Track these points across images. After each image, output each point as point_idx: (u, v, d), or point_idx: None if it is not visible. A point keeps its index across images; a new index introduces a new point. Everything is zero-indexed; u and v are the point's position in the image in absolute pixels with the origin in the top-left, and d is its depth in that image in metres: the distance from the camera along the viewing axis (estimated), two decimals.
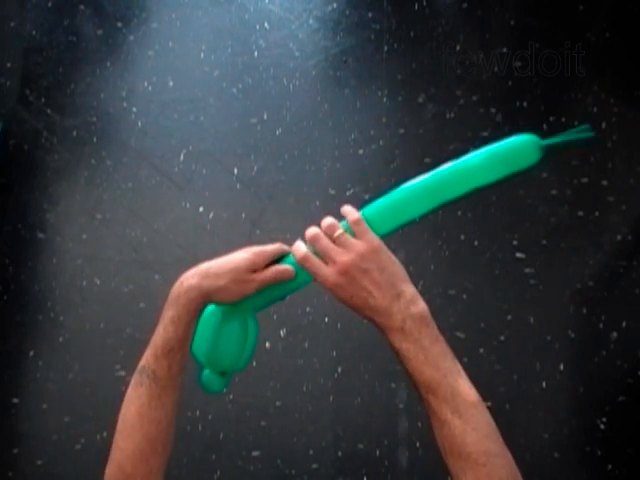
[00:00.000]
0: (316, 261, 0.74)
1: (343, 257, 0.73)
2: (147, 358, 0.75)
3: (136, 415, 0.74)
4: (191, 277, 0.76)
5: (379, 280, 0.72)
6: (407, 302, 0.71)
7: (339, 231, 0.75)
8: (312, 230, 0.75)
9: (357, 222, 0.76)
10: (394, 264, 0.75)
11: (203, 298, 0.75)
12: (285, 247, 0.81)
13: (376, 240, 0.75)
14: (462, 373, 0.70)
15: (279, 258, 0.80)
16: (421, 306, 0.72)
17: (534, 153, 0.77)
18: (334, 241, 0.74)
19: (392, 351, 0.72)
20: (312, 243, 0.75)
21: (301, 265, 0.76)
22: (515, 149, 0.78)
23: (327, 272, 0.73)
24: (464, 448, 0.66)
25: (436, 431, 0.69)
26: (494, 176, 0.77)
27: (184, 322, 0.75)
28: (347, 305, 0.73)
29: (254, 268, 0.77)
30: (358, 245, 0.73)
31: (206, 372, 0.80)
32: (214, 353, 0.79)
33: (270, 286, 0.78)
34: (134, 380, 0.76)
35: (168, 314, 0.75)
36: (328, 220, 0.76)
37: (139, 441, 0.73)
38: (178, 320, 0.75)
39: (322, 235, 0.75)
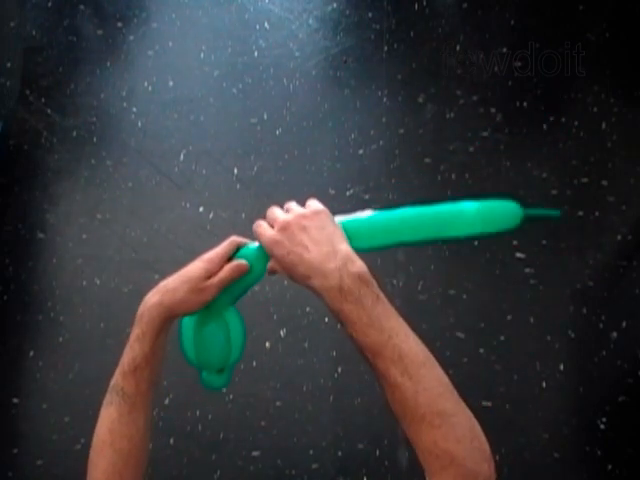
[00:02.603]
0: (263, 225, 0.76)
1: (285, 216, 0.75)
2: (116, 376, 0.77)
3: (107, 432, 0.76)
4: (152, 295, 0.78)
5: (317, 237, 0.72)
6: (344, 259, 0.69)
7: (291, 203, 0.78)
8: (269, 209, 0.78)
9: (310, 200, 0.78)
10: (335, 227, 0.74)
11: (166, 314, 0.77)
12: (238, 239, 0.82)
13: (320, 206, 0.76)
14: (409, 332, 0.68)
15: (236, 252, 0.81)
16: (359, 264, 0.70)
17: (516, 220, 0.79)
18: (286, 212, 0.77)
19: (333, 316, 0.70)
20: (267, 218, 0.77)
21: (255, 235, 0.77)
22: (503, 211, 0.79)
23: (269, 231, 0.75)
24: (417, 410, 0.65)
25: (388, 396, 0.68)
26: (476, 229, 0.79)
27: (149, 339, 0.76)
28: (284, 266, 0.73)
29: (209, 274, 0.78)
30: (301, 209, 0.76)
31: (204, 374, 0.81)
32: (203, 356, 0.80)
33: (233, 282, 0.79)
34: (105, 399, 0.77)
35: (134, 332, 0.77)
36: (289, 202, 0.79)
37: (111, 456, 0.74)
38: (143, 337, 0.76)
39: (274, 208, 0.78)
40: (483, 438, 0.65)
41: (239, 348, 0.81)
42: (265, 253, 0.78)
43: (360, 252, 0.74)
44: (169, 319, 0.78)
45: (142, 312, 0.77)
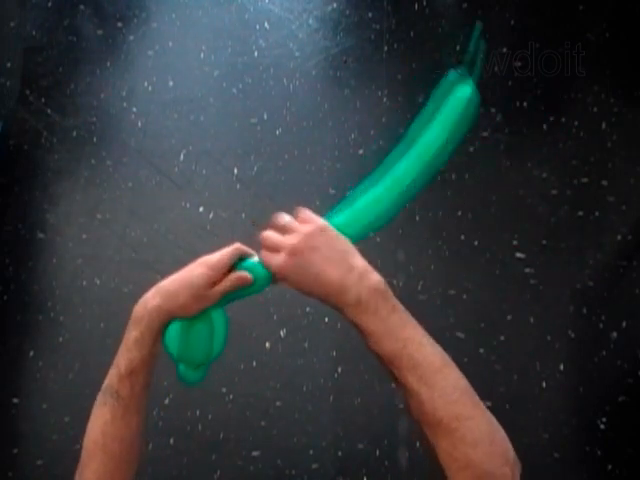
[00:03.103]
0: (267, 252, 0.74)
1: (290, 240, 0.72)
2: (111, 378, 0.76)
3: (100, 434, 0.75)
4: (152, 298, 0.76)
5: (329, 256, 0.71)
6: (360, 275, 0.70)
7: (285, 220, 0.74)
8: (263, 234, 0.76)
9: (300, 211, 0.76)
10: (342, 241, 0.73)
11: (165, 317, 0.76)
12: (243, 248, 0.80)
13: (320, 220, 0.74)
14: (424, 340, 0.69)
15: (239, 260, 0.80)
16: (375, 278, 0.70)
17: (473, 101, 0.76)
18: (283, 233, 0.74)
19: (352, 327, 0.71)
20: (263, 243, 0.74)
21: (263, 262, 0.75)
22: (460, 114, 0.77)
23: (278, 258, 0.72)
24: (434, 416, 0.66)
25: (406, 402, 0.69)
26: (449, 151, 0.76)
27: (148, 343, 0.75)
28: (303, 290, 0.72)
29: (212, 282, 0.77)
30: (304, 227, 0.73)
31: (181, 367, 0.80)
32: (185, 351, 0.79)
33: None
34: (98, 399, 0.77)
35: (132, 335, 0.76)
36: (276, 214, 0.76)
37: (102, 458, 0.74)
38: (142, 340, 0.75)
39: (270, 232, 0.75)
40: (506, 443, 0.66)
41: (219, 347, 0.81)
42: (268, 273, 0.77)
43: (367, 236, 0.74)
44: (167, 322, 0.77)
45: (142, 315, 0.76)
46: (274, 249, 0.73)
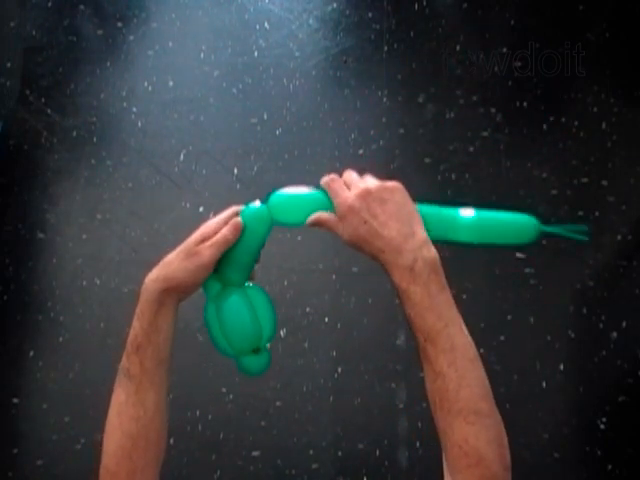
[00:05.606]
0: (340, 183, 0.75)
1: (365, 183, 0.74)
2: (122, 358, 0.76)
3: (116, 414, 0.74)
4: (151, 273, 0.77)
5: (396, 213, 0.71)
6: (420, 243, 0.70)
7: (366, 175, 0.78)
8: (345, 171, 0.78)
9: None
10: (412, 206, 0.74)
11: (163, 286, 0.75)
12: (237, 208, 0.80)
13: (399, 183, 0.75)
14: (464, 328, 0.70)
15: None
16: (433, 251, 0.71)
17: (531, 235, 0.81)
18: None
19: (396, 291, 0.70)
20: (344, 175, 0.77)
21: (326, 188, 0.76)
22: (518, 226, 0.81)
23: (347, 194, 0.74)
24: (455, 404, 0.65)
25: (429, 383, 0.68)
26: (475, 238, 0.79)
27: (147, 315, 0.75)
28: (357, 235, 0.72)
29: (203, 239, 0.76)
30: (381, 181, 0.75)
31: (240, 359, 0.79)
32: (233, 338, 0.78)
33: (234, 251, 0.77)
34: (115, 383, 0.76)
35: (135, 312, 0.76)
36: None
37: (119, 438, 0.73)
38: (141, 315, 0.75)
39: (350, 171, 0.78)
40: (507, 447, 0.66)
41: (270, 323, 0.78)
42: (267, 213, 0.77)
43: None
44: (168, 292, 0.75)
45: (142, 290, 0.76)
46: (347, 183, 0.76)
